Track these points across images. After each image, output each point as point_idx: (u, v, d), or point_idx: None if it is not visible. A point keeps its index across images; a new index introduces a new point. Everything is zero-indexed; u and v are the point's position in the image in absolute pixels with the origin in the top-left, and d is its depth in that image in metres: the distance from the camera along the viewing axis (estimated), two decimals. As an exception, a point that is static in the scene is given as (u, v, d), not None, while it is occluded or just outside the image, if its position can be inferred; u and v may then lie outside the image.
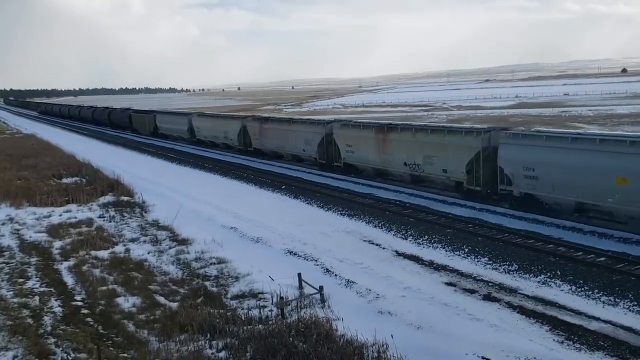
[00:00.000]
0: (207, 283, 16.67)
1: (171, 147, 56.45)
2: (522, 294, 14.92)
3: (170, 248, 20.52)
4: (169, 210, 25.52)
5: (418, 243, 19.87)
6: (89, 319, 14.34)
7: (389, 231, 21.55)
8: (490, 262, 17.40)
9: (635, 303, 13.82)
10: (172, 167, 43.14)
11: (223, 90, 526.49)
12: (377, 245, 19.96)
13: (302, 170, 36.92)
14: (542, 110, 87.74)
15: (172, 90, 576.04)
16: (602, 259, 16.75)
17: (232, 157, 46.00)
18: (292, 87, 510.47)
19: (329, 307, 14.41)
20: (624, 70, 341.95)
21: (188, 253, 19.71)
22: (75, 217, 25.53)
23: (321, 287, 15.01)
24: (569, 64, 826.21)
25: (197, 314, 13.71)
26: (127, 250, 20.29)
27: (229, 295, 15.67)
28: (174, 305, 14.96)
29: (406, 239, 20.42)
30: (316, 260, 18.44)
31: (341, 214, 24.80)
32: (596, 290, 14.71)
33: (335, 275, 16.99)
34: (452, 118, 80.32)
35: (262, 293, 15.62)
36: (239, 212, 25.62)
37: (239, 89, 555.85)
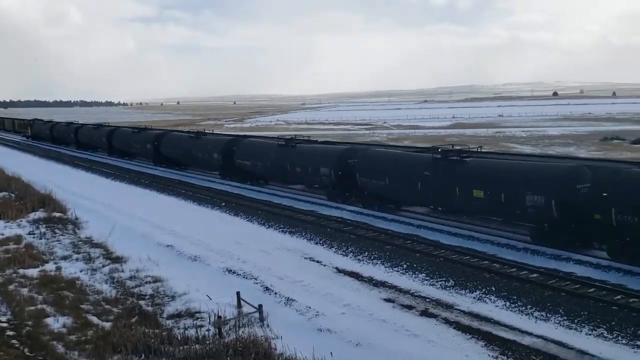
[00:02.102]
0: (141, 302, 16.18)
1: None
2: (458, 309, 15.19)
3: (103, 266, 19.84)
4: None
5: (358, 260, 19.96)
6: (14, 341, 13.62)
7: (330, 248, 21.57)
8: (428, 278, 17.66)
9: (566, 318, 14.30)
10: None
11: (162, 104, 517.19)
12: (318, 262, 19.92)
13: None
14: (478, 130, 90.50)
15: (109, 104, 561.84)
16: (535, 275, 17.27)
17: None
18: (234, 103, 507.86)
19: (268, 325, 14.25)
20: (555, 94, 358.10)
21: (122, 271, 19.11)
22: (2, 234, 24.35)
23: (260, 306, 14.83)
24: (504, 86, 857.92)
25: (131, 334, 13.26)
26: (58, 269, 19.49)
27: (164, 315, 15.26)
28: (107, 325, 14.42)
29: (347, 256, 20.48)
30: (256, 279, 18.21)
31: (282, 231, 24.69)
32: (529, 306, 15.14)
33: (275, 293, 16.82)
34: (392, 137, 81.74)
35: (199, 312, 15.27)
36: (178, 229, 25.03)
37: (178, 103, 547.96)
